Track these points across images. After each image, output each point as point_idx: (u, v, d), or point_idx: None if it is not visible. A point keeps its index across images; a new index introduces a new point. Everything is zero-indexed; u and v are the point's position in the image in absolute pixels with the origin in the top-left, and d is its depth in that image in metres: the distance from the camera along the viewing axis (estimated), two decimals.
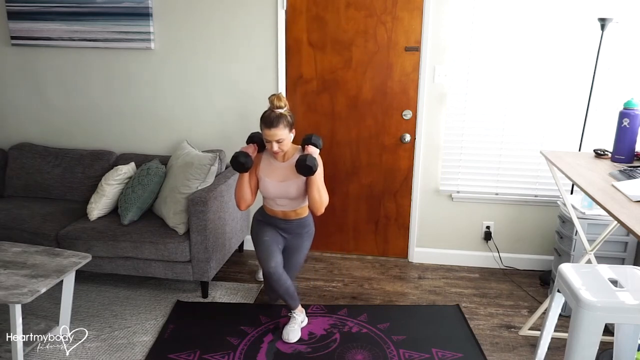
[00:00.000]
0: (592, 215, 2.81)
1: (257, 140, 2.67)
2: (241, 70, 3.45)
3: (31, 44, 3.58)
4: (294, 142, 2.66)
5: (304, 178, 2.58)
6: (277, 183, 2.62)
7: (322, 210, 2.61)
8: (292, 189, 2.61)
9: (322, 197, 2.58)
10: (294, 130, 2.61)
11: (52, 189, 3.54)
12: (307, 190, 2.59)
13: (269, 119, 2.50)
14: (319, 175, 2.56)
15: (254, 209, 2.97)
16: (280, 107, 2.54)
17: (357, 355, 2.56)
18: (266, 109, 2.57)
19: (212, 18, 3.38)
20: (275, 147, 2.53)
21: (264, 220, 2.76)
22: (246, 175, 2.64)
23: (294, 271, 2.78)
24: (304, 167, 2.46)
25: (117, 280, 3.25)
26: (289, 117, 2.55)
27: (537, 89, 3.24)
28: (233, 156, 2.57)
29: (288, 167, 2.61)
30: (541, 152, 2.77)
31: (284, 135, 2.52)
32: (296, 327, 2.72)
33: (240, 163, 2.56)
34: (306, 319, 2.83)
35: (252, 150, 2.64)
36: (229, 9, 3.35)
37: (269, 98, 2.57)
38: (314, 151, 2.57)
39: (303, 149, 2.62)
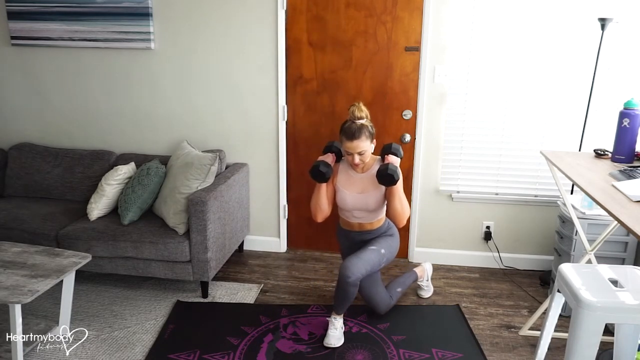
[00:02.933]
0: (592, 215, 2.81)
1: (334, 150, 2.60)
2: (241, 70, 3.45)
3: (31, 44, 3.58)
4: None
5: (383, 190, 2.53)
6: (356, 195, 2.57)
7: (404, 221, 2.55)
8: (370, 200, 2.55)
9: (404, 207, 2.52)
10: (374, 141, 2.55)
11: (52, 189, 3.54)
12: (387, 201, 2.52)
13: (350, 131, 2.43)
14: (400, 185, 2.51)
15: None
16: (361, 118, 2.47)
17: (357, 355, 2.56)
18: (340, 124, 2.49)
19: (212, 18, 3.38)
20: (357, 159, 2.47)
21: (342, 241, 2.76)
22: (324, 185, 2.58)
23: (359, 261, 2.55)
24: (386, 177, 2.39)
25: (117, 280, 3.25)
26: (370, 128, 2.48)
27: (537, 89, 3.23)
28: (313, 165, 2.51)
29: (367, 178, 2.55)
30: (541, 152, 2.77)
31: (365, 147, 2.46)
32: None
33: (321, 173, 2.49)
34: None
35: (331, 159, 2.57)
36: (229, 9, 3.35)
37: (349, 109, 2.51)
38: (394, 160, 2.51)
39: (383, 159, 2.56)
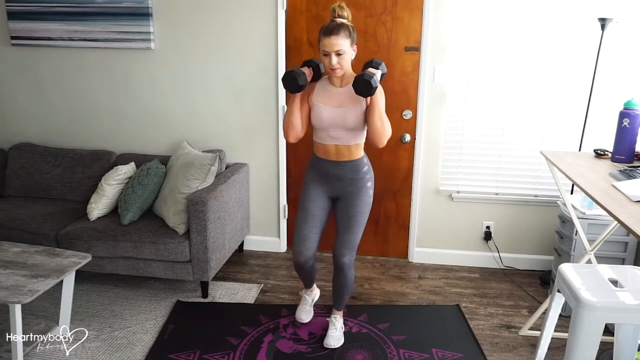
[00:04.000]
0: (592, 215, 2.81)
1: (312, 66, 2.42)
2: (241, 70, 3.45)
3: (31, 44, 3.58)
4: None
5: (363, 107, 2.33)
6: (333, 109, 2.36)
7: (385, 141, 2.35)
8: (349, 116, 2.34)
9: (384, 125, 2.31)
10: (355, 47, 2.34)
11: (52, 189, 3.54)
12: (367, 117, 2.32)
13: (329, 27, 2.24)
14: (381, 99, 2.31)
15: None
16: (343, 17, 2.29)
17: (357, 355, 2.56)
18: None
19: (212, 18, 3.38)
20: (335, 60, 2.26)
21: (314, 172, 2.52)
22: (298, 97, 2.39)
23: (347, 241, 2.47)
24: (362, 83, 2.18)
25: (117, 280, 3.25)
26: (351, 29, 2.28)
27: (537, 89, 3.23)
28: (286, 72, 2.31)
29: (345, 92, 2.35)
30: (541, 152, 2.77)
31: (344, 47, 2.24)
32: (308, 307, 2.63)
33: (293, 78, 2.27)
34: (318, 292, 2.74)
35: (307, 72, 2.37)
36: (229, 9, 3.35)
37: (331, 8, 2.33)
38: (374, 71, 2.30)
39: None
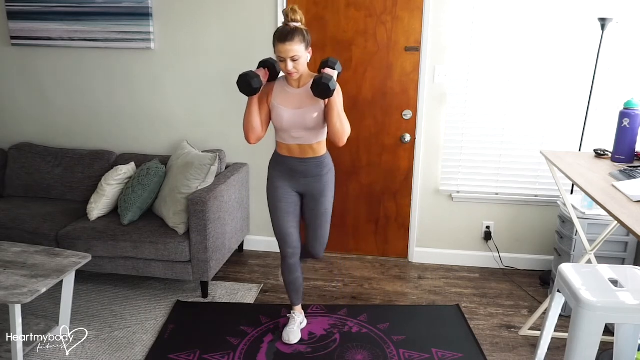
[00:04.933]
0: (592, 215, 2.81)
1: (268, 66, 2.41)
2: (241, 70, 3.42)
3: (31, 44, 3.58)
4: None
5: (322, 106, 2.35)
6: (292, 110, 2.37)
7: (344, 140, 2.37)
8: (308, 116, 2.36)
9: (343, 124, 2.34)
10: (310, 50, 2.35)
11: (52, 189, 3.54)
12: (326, 118, 2.35)
13: (282, 33, 2.24)
14: (338, 100, 2.32)
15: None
16: (296, 21, 2.28)
17: (357, 355, 2.56)
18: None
19: (212, 18, 3.38)
20: (290, 65, 2.26)
21: (279, 169, 2.53)
22: (255, 100, 2.40)
23: (321, 237, 2.59)
24: (320, 86, 2.19)
25: (117, 280, 3.25)
26: (305, 33, 2.28)
27: (537, 89, 3.23)
28: (240, 75, 2.29)
29: (304, 93, 2.36)
30: (541, 152, 2.77)
31: (299, 52, 2.25)
32: (295, 328, 2.70)
33: (247, 82, 2.26)
34: (305, 320, 2.81)
35: (262, 73, 2.37)
36: (229, 8, 3.35)
37: (283, 11, 2.31)
38: (331, 72, 2.31)
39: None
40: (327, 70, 2.32)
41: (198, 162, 3.09)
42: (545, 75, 3.21)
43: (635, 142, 2.52)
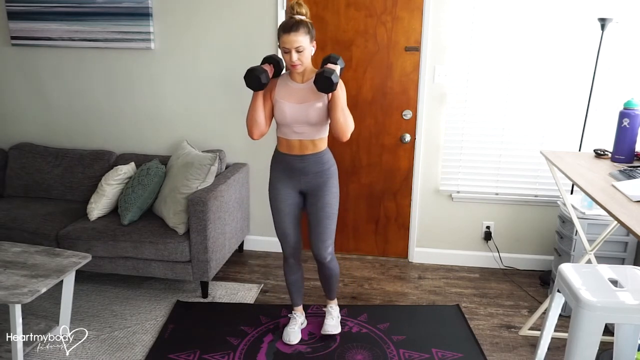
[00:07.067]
0: (592, 215, 2.81)
1: (273, 62, 2.42)
2: (241, 70, 3.40)
3: (31, 44, 3.58)
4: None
5: (325, 101, 2.35)
6: (295, 105, 2.37)
7: (348, 135, 2.37)
8: (311, 111, 2.35)
9: (347, 119, 2.34)
10: (314, 43, 2.35)
11: (52, 189, 3.54)
12: (330, 113, 2.35)
13: (287, 24, 2.24)
14: (342, 94, 2.33)
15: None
16: (301, 14, 2.29)
17: (357, 355, 2.56)
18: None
19: (212, 18, 3.38)
20: (295, 57, 2.26)
21: (278, 169, 2.52)
22: (260, 95, 2.40)
23: (320, 233, 2.52)
24: (323, 80, 2.19)
25: (117, 280, 3.25)
26: (309, 25, 2.29)
27: (537, 89, 3.23)
28: (248, 70, 2.31)
29: (307, 88, 2.36)
30: (541, 152, 2.77)
31: (304, 43, 2.25)
32: (296, 328, 2.70)
33: (256, 76, 2.27)
34: (305, 320, 2.81)
35: (269, 68, 2.38)
36: (229, 8, 3.35)
37: (289, 4, 2.33)
38: (334, 67, 2.32)
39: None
40: (330, 65, 2.33)
41: (198, 162, 3.09)
42: (545, 75, 3.21)
43: (635, 142, 2.52)
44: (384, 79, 3.36)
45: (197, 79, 3.50)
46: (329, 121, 2.41)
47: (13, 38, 3.59)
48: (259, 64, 2.47)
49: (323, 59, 2.42)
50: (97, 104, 3.66)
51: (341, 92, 2.33)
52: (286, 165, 2.50)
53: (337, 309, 2.80)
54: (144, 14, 3.39)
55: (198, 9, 3.38)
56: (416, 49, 3.30)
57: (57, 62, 3.62)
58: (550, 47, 3.16)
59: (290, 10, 2.31)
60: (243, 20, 3.36)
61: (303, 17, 2.30)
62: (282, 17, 3.32)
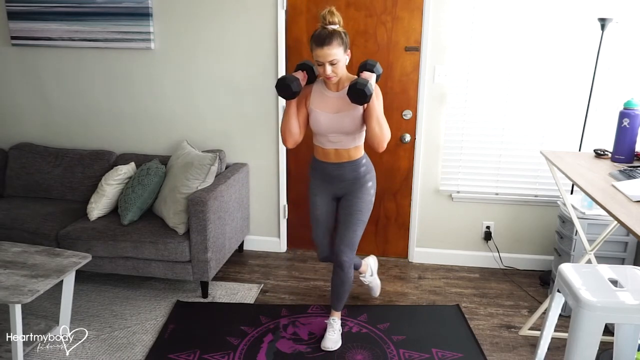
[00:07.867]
0: (592, 215, 2.81)
1: (306, 69, 2.36)
2: (241, 70, 3.45)
3: (31, 44, 3.58)
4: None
5: (360, 110, 2.29)
6: (330, 115, 2.32)
7: (384, 145, 2.32)
8: (346, 121, 2.31)
9: (382, 129, 2.27)
10: (349, 52, 2.29)
11: (52, 189, 3.54)
12: (365, 123, 2.29)
13: (320, 37, 2.17)
14: (377, 104, 2.26)
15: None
16: (334, 24, 2.21)
17: (357, 355, 2.56)
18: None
19: (212, 18, 3.38)
20: (329, 70, 2.21)
21: (316, 176, 2.52)
22: (293, 104, 2.35)
23: (345, 237, 2.48)
24: (356, 92, 2.12)
25: (117, 280, 3.25)
26: (343, 35, 2.22)
27: (537, 89, 3.23)
28: (279, 79, 2.26)
29: (342, 96, 2.30)
30: (541, 152, 2.77)
31: (338, 56, 2.19)
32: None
33: (287, 85, 2.22)
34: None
35: (301, 76, 2.33)
36: (229, 9, 3.35)
37: (320, 14, 2.24)
38: (367, 76, 2.24)
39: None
40: (365, 74, 2.26)
41: (198, 162, 3.09)
42: (545, 75, 3.21)
43: (635, 142, 2.52)
44: (384, 78, 3.36)
45: (197, 79, 3.50)
46: (364, 129, 2.38)
47: (13, 38, 3.58)
48: (296, 66, 2.41)
49: (359, 66, 2.36)
50: (97, 104, 3.66)
51: (377, 101, 2.27)
52: (322, 172, 2.50)
53: (339, 322, 2.68)
54: (144, 14, 3.39)
55: (198, 9, 3.38)
56: (416, 49, 3.30)
57: (57, 62, 3.62)
58: (550, 47, 3.16)
59: (322, 20, 2.23)
60: (243, 20, 3.36)
61: (336, 27, 2.22)
62: (282, 17, 3.32)
